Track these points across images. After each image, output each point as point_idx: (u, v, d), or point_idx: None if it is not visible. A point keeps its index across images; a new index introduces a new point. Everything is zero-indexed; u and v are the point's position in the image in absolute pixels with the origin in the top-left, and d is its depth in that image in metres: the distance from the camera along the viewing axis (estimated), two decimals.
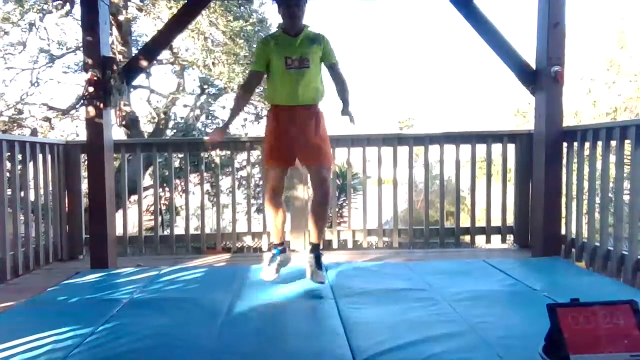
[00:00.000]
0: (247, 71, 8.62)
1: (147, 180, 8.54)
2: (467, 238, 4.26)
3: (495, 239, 4.25)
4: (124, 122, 8.55)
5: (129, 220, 4.21)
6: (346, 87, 2.93)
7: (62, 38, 9.52)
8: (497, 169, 4.46)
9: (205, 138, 3.01)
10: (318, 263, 2.79)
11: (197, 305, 2.53)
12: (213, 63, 8.96)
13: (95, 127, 3.45)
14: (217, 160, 4.48)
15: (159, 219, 6.81)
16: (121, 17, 8.79)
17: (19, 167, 3.54)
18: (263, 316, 2.41)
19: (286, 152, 2.84)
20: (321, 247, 2.90)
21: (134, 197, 6.07)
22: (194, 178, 6.76)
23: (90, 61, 3.36)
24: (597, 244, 3.22)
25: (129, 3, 9.08)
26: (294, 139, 2.80)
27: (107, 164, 3.52)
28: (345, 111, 2.87)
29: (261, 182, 4.62)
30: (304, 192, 4.10)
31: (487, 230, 4.18)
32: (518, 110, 14.17)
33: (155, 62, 8.28)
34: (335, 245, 4.21)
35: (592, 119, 11.61)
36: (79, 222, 3.99)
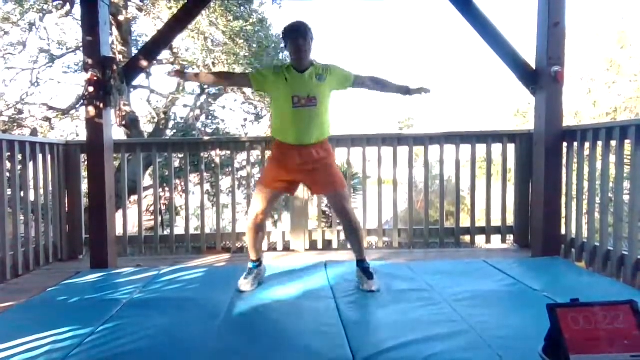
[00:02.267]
0: (247, 71, 8.64)
1: (147, 180, 8.54)
2: (467, 238, 4.26)
3: (495, 239, 4.25)
4: (124, 122, 8.54)
5: (129, 220, 4.21)
6: (383, 80, 2.89)
7: (62, 38, 9.53)
8: (497, 169, 4.46)
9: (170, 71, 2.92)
10: (367, 274, 2.81)
11: (197, 305, 2.54)
12: (213, 63, 8.95)
13: (95, 127, 3.45)
14: (217, 160, 4.47)
15: (159, 219, 6.82)
16: (121, 17, 8.79)
17: (19, 167, 3.54)
18: (263, 316, 2.41)
19: (289, 179, 2.83)
20: (367, 259, 2.89)
21: (134, 197, 6.07)
22: (194, 178, 6.76)
23: (90, 61, 3.36)
24: (597, 244, 3.22)
25: (129, 3, 9.07)
26: (300, 172, 2.80)
27: (107, 164, 3.52)
28: (411, 91, 2.87)
29: None
30: (304, 192, 4.10)
31: (487, 230, 4.18)
32: (518, 110, 14.18)
33: (155, 62, 8.27)
34: (335, 245, 4.21)
35: (592, 119, 11.62)
36: (78, 222, 3.99)
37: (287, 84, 2.72)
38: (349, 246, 4.12)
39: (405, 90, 2.91)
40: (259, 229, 2.86)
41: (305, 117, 2.71)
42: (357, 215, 2.95)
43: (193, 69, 10.15)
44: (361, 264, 2.87)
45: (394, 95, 2.96)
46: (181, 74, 3.18)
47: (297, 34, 2.70)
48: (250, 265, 2.93)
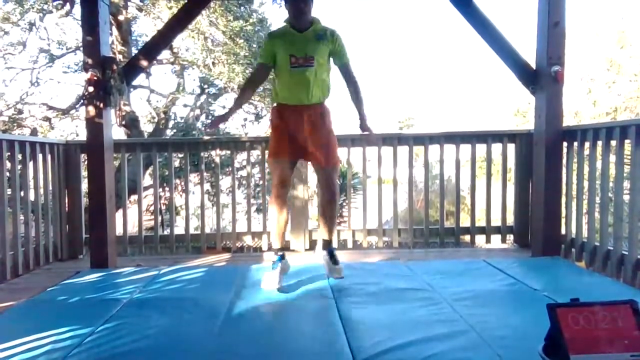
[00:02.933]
0: (247, 71, 8.64)
1: (147, 180, 8.54)
2: (467, 238, 4.26)
3: (495, 238, 4.25)
4: (123, 122, 8.55)
5: (129, 220, 4.21)
6: (359, 94, 2.86)
7: (62, 38, 9.55)
8: (497, 169, 4.46)
9: (206, 127, 2.98)
10: (333, 259, 2.79)
11: (197, 305, 2.53)
12: (213, 63, 8.96)
13: (95, 126, 3.45)
14: (217, 159, 4.47)
15: (159, 218, 6.81)
16: (121, 17, 8.79)
17: (19, 166, 3.54)
18: (263, 316, 2.41)
19: (293, 146, 2.79)
20: (334, 243, 2.87)
21: (134, 197, 6.07)
22: (194, 178, 6.76)
23: (90, 61, 3.36)
24: (597, 243, 3.22)
25: (129, 3, 9.08)
26: (300, 137, 2.77)
27: (107, 164, 3.52)
28: (363, 126, 2.86)
29: (261, 182, 4.61)
30: (304, 192, 4.10)
31: (487, 230, 4.18)
32: (518, 110, 14.18)
33: (155, 62, 8.28)
34: (335, 245, 4.19)
35: (592, 119, 11.62)
36: (78, 222, 3.99)
37: (284, 44, 2.71)
38: (349, 246, 4.15)
39: (360, 119, 2.88)
40: (283, 202, 2.78)
41: (304, 77, 2.68)
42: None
43: (193, 68, 10.17)
44: (328, 246, 2.84)
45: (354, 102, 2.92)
46: (225, 119, 3.15)
47: None
48: (274, 258, 2.82)
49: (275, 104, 2.91)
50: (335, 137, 2.88)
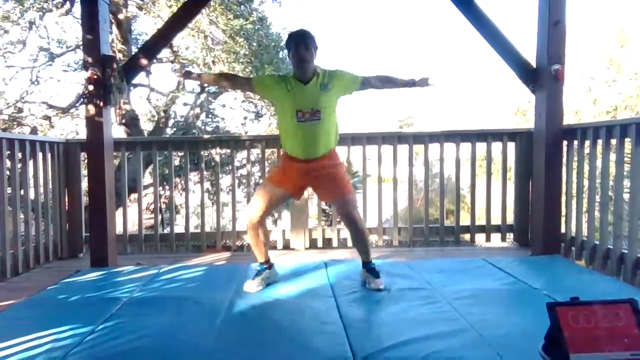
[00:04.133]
0: (247, 69, 8.63)
1: (147, 179, 8.54)
2: (467, 236, 4.26)
3: (495, 237, 4.25)
4: (123, 121, 8.54)
5: (129, 218, 4.21)
6: (390, 77, 2.82)
7: (62, 36, 9.52)
8: (497, 168, 4.46)
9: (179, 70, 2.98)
10: (373, 274, 2.79)
11: (197, 304, 2.54)
12: (213, 61, 8.94)
13: (95, 125, 3.45)
14: (217, 158, 4.47)
15: (159, 217, 6.80)
16: (121, 16, 8.78)
17: (19, 165, 3.54)
18: (263, 315, 2.41)
19: (295, 183, 2.81)
20: (372, 259, 2.86)
21: (134, 196, 6.08)
22: (194, 176, 6.75)
23: (90, 59, 3.36)
24: (597, 242, 3.22)
25: (129, 1, 9.06)
26: (308, 180, 2.80)
27: (107, 163, 3.52)
28: (417, 83, 2.80)
29: (261, 181, 4.61)
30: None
31: (487, 229, 4.18)
32: (518, 108, 14.18)
33: (155, 60, 8.27)
34: (335, 243, 4.21)
35: (593, 118, 11.62)
36: (79, 221, 4.00)
37: (290, 96, 2.67)
38: (349, 244, 4.15)
39: (412, 83, 2.83)
40: (262, 229, 2.79)
41: (310, 132, 2.66)
42: (362, 219, 2.91)
43: (193, 67, 10.14)
44: (367, 265, 2.85)
45: (399, 90, 2.91)
46: (186, 73, 3.11)
47: (300, 44, 2.62)
48: (258, 267, 2.88)
49: (283, 151, 2.89)
50: (345, 176, 2.86)
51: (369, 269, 2.82)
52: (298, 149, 2.72)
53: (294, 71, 2.72)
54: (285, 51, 9.96)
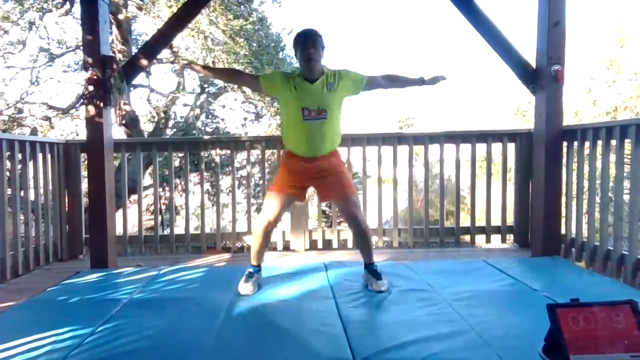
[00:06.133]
0: (246, 70, 8.63)
1: (147, 180, 8.54)
2: (467, 238, 4.26)
3: (495, 238, 4.25)
4: (123, 121, 8.54)
5: (128, 219, 4.21)
6: (397, 76, 2.83)
7: (62, 37, 9.52)
8: (497, 169, 4.46)
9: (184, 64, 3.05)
10: (375, 275, 2.78)
11: (197, 305, 2.53)
12: (213, 62, 8.93)
13: (95, 126, 3.45)
14: (217, 159, 4.47)
15: (159, 218, 6.80)
16: (121, 16, 8.78)
17: (19, 166, 3.53)
18: (263, 316, 2.41)
19: (299, 185, 2.82)
20: (374, 261, 2.86)
21: (134, 197, 6.07)
22: (194, 177, 6.76)
23: (90, 60, 3.36)
24: (597, 243, 3.21)
25: (129, 2, 9.07)
26: (311, 180, 2.81)
27: (107, 163, 3.52)
28: (426, 81, 2.80)
29: (261, 182, 4.61)
30: None
31: (487, 230, 4.18)
32: (518, 109, 14.19)
33: (155, 61, 8.27)
34: (335, 245, 4.21)
35: (592, 118, 11.63)
36: (78, 222, 3.99)
37: (296, 94, 2.67)
38: (349, 246, 4.15)
39: (421, 81, 2.84)
40: (267, 235, 2.82)
41: (316, 130, 2.68)
42: (366, 220, 2.92)
43: None
44: (370, 266, 2.85)
45: (404, 89, 2.91)
46: (200, 68, 3.20)
47: (307, 42, 2.63)
48: (250, 269, 2.88)
49: (285, 149, 2.91)
50: (349, 176, 2.88)
51: (372, 271, 2.82)
52: (302, 146, 2.73)
53: (300, 69, 2.73)
54: (285, 52, 10.00)
